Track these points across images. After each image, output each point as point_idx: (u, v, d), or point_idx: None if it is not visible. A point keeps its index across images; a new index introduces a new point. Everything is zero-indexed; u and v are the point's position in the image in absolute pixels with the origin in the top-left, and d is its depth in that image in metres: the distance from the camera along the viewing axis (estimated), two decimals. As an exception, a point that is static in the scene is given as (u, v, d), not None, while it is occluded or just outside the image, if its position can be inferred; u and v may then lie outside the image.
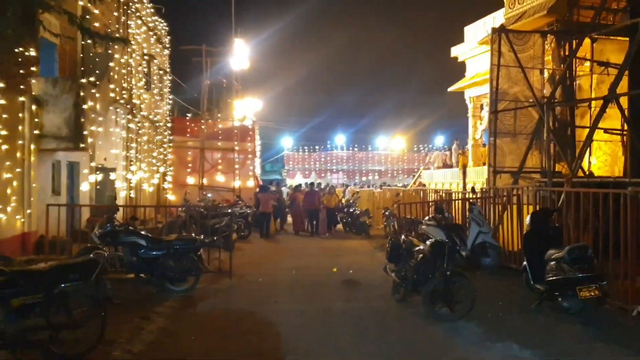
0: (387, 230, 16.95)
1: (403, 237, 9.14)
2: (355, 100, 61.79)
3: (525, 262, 7.91)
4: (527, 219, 7.87)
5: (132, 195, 18.98)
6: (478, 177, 22.68)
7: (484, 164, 13.64)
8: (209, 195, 21.57)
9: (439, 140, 54.17)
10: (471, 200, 10.89)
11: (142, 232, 9.93)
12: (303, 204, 19.97)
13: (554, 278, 7.10)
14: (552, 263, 7.22)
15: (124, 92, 17.00)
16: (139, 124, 19.98)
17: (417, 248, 8.41)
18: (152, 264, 9.51)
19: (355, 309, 8.51)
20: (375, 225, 20.82)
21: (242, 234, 18.15)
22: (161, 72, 24.65)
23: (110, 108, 15.93)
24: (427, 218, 13.12)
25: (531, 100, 13.69)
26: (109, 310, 6.28)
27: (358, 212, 19.55)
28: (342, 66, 62.83)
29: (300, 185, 23.20)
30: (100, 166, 15.84)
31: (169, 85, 26.48)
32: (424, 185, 24.76)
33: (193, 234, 10.10)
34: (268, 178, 45.31)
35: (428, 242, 8.18)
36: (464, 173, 15.44)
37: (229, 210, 19.09)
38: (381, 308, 8.56)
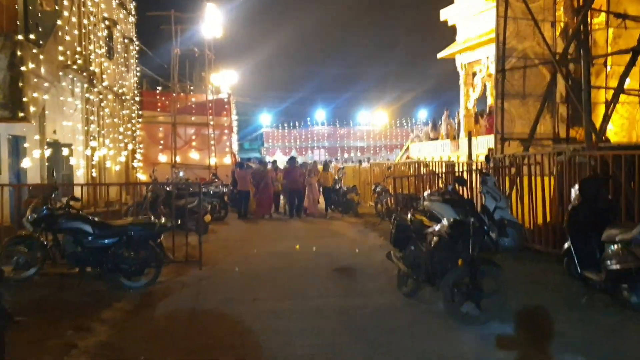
0: (378, 208, 15.29)
1: (410, 215, 7.44)
2: (336, 73, 59.70)
3: (569, 244, 6.27)
4: (574, 190, 6.24)
5: (94, 174, 17.04)
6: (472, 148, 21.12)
7: (497, 133, 11.93)
8: (181, 173, 19.63)
9: (423, 114, 52.56)
10: (484, 171, 9.22)
11: (89, 217, 8.09)
12: (284, 183, 17.99)
13: (618, 266, 5.48)
14: (616, 246, 5.59)
15: (77, 56, 14.92)
16: (100, 96, 17.96)
17: (430, 229, 6.73)
18: (102, 254, 7.74)
19: (353, 308, 6.82)
20: (363, 202, 19.16)
21: (217, 215, 16.34)
22: (126, 40, 22.50)
23: (62, 74, 13.90)
24: (428, 192, 11.52)
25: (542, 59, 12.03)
26: (20, 327, 4.49)
27: (345, 189, 17.82)
28: (322, 36, 60.51)
29: (275, 161, 21.13)
30: (52, 141, 13.85)
31: (136, 55, 24.35)
32: (413, 159, 23.10)
33: (152, 217, 8.29)
34: (247, 156, 43.34)
35: (445, 222, 6.49)
36: (470, 141, 13.80)
37: (203, 189, 17.31)
38: (386, 305, 6.88)
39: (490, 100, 23.30)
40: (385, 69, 60.17)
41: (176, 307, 7.00)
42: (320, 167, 19.14)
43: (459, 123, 23.51)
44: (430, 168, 13.45)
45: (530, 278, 7.39)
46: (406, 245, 7.19)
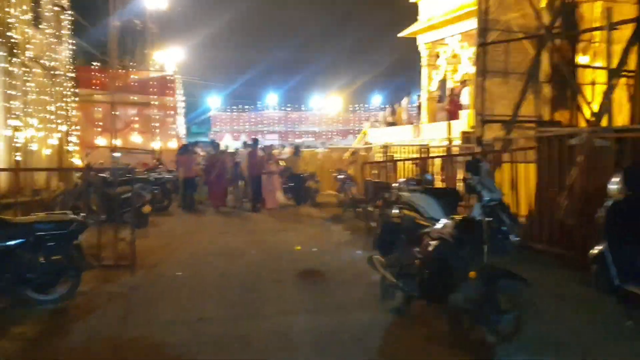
0: (340, 198, 13.82)
1: (396, 210, 5.98)
2: (288, 54, 57.60)
3: (602, 249, 4.94)
4: (613, 181, 4.91)
5: (19, 158, 14.89)
6: (431, 133, 19.95)
7: (477, 114, 10.65)
8: (118, 155, 17.62)
9: (377, 99, 51.48)
10: (476, 157, 7.87)
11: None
12: (247, 169, 15.85)
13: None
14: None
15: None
16: (25, 69, 15.74)
17: (427, 229, 5.30)
18: (2, 260, 5.96)
19: (328, 330, 5.32)
20: (321, 190, 17.69)
21: (159, 205, 14.55)
22: (57, 8, 20.13)
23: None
24: (401, 180, 10.11)
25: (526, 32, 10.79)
26: None
27: (301, 176, 16.26)
28: (275, 14, 58.15)
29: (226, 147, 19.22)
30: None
31: (69, 26, 21.95)
32: (371, 145, 21.75)
33: (70, 212, 6.56)
34: (195, 140, 41.10)
35: (447, 221, 5.07)
36: (449, 125, 12.41)
37: (144, 176, 15.45)
38: (369, 325, 5.41)
39: (450, 84, 22.24)
40: (339, 51, 58.52)
41: (96, 331, 5.32)
42: (287, 150, 17.67)
43: (419, 107, 22.27)
44: (399, 155, 12.06)
45: (546, 290, 6.05)
46: (392, 248, 5.74)
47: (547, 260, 6.96)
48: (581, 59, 11.65)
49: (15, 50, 14.71)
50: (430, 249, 5.07)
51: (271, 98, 51.17)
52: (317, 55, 57.06)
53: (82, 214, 6.48)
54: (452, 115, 19.92)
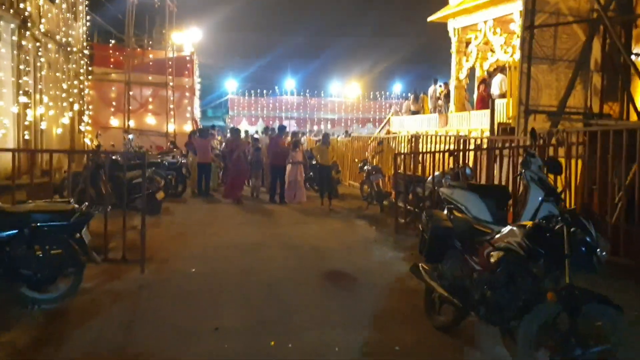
0: (365, 190, 12.97)
1: (446, 212, 5.14)
2: (308, 38, 56.55)
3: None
4: None
5: (27, 137, 14.23)
6: (461, 123, 19.02)
7: (520, 103, 9.73)
8: (131, 136, 16.88)
9: (397, 87, 50.38)
10: (530, 150, 6.97)
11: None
12: (268, 157, 14.67)
13: None
14: None
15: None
16: (38, 44, 15.04)
17: (487, 237, 4.46)
18: (-6, 254, 5.24)
19: (368, 351, 4.53)
20: (343, 181, 16.88)
21: (173, 192, 13.83)
22: (73, -18, 19.37)
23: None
24: (436, 174, 9.28)
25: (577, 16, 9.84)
26: None
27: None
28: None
29: (245, 132, 18.06)
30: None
31: (86, 2, 21.21)
32: (395, 133, 20.84)
33: (71, 201, 5.81)
34: (210, 124, 40.42)
35: (515, 228, 4.23)
36: (493, 112, 11.43)
37: (158, 160, 14.72)
38: (416, 346, 4.62)
39: (478, 72, 21.24)
40: (360, 37, 57.29)
41: (96, 343, 4.58)
42: (311, 139, 16.62)
43: (447, 95, 21.28)
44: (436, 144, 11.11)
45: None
46: (442, 256, 4.92)
47: (608, 271, 6.08)
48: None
49: (28, 24, 14.00)
50: (493, 260, 4.24)
51: (289, 83, 50.25)
52: (337, 40, 56.00)
53: (85, 203, 5.71)
54: (481, 104, 18.99)
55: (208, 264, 7.35)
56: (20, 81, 13.40)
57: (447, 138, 11.13)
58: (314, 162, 15.47)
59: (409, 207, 9.76)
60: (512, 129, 10.69)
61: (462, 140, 10.26)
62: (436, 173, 9.62)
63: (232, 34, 50.14)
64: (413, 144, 12.07)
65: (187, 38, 26.94)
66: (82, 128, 20.59)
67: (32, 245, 5.24)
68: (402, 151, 12.15)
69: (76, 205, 5.52)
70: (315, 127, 46.32)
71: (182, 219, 11.26)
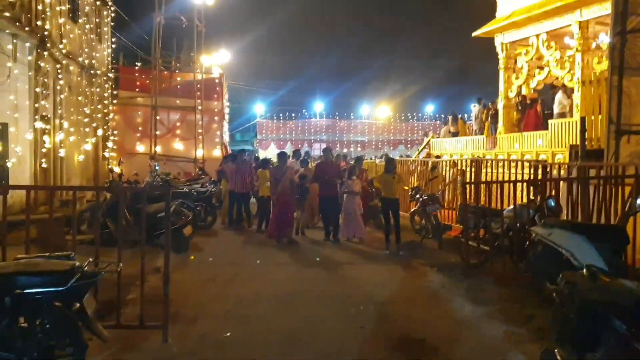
0: (417, 222, 11.43)
1: (587, 273, 3.62)
2: (336, 60, 55.55)
3: None
4: None
5: (44, 164, 13.10)
6: (511, 145, 17.40)
7: (610, 122, 8.18)
8: (157, 165, 15.66)
9: (430, 108, 48.88)
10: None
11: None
12: (316, 187, 12.38)
13: None
14: None
15: (13, 5, 10.96)
16: (58, 66, 14.01)
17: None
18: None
19: None
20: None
21: (202, 224, 12.50)
22: (98, 2, 18.48)
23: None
24: (512, 207, 7.76)
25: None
26: None
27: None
28: (324, 18, 55.92)
29: (285, 154, 12.96)
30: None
31: (111, 23, 20.33)
32: (439, 157, 19.32)
33: (71, 254, 4.45)
34: (238, 149, 39.30)
35: None
36: (583, 130, 9.77)
37: (185, 189, 13.44)
38: None
39: (523, 90, 19.68)
40: (391, 57, 56.13)
41: None
42: (369, 163, 14.63)
43: (493, 115, 19.71)
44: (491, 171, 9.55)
45: None
46: (595, 342, 3.39)
47: None
48: None
49: (46, 44, 12.96)
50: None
51: (318, 105, 49.18)
52: (367, 61, 54.97)
53: (89, 260, 4.33)
54: (533, 125, 17.42)
55: (245, 325, 5.91)
56: (36, 105, 12.31)
57: (520, 163, 9.60)
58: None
59: (481, 245, 8.21)
60: (598, 152, 9.13)
61: (541, 166, 8.70)
62: (510, 206, 8.11)
63: (260, 57, 49.44)
64: (474, 168, 10.53)
65: (215, 60, 25.99)
66: (106, 154, 19.56)
67: (15, 319, 3.88)
68: (448, 176, 10.65)
69: (77, 263, 4.14)
70: (345, 150, 44.96)
71: (212, 257, 9.88)
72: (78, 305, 4.02)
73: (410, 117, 46.64)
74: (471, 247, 8.29)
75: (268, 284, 7.81)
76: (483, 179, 10.78)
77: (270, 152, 39.91)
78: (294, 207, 11.86)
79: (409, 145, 44.61)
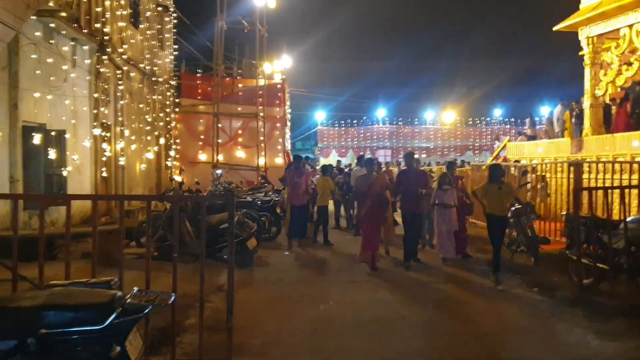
0: (506, 235, 10.10)
1: None
2: (399, 65, 54.18)
3: None
4: None
5: (105, 174, 12.61)
6: (602, 148, 15.73)
7: None
8: (219, 172, 14.91)
9: (498, 112, 46.81)
10: None
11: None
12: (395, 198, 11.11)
13: None
14: None
15: (70, 4, 10.47)
16: (119, 72, 13.57)
17: None
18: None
19: None
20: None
21: (266, 236, 11.64)
22: (160, 8, 18.12)
23: (54, 31, 9.51)
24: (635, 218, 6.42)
25: None
26: None
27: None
28: (386, 20, 54.60)
29: (372, 161, 10.94)
30: (32, 125, 9.44)
31: (173, 30, 19.97)
32: (518, 162, 17.82)
33: (114, 280, 3.58)
34: (303, 157, 38.50)
35: None
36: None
37: (249, 199, 12.63)
38: None
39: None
40: (457, 59, 54.31)
41: None
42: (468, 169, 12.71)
43: (577, 115, 18.04)
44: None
45: None
46: None
47: None
48: None
49: (106, 49, 12.51)
50: None
51: (380, 112, 47.98)
52: (431, 65, 53.41)
53: (135, 289, 3.44)
54: (624, 126, 15.79)
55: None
56: (95, 112, 11.82)
57: (629, 166, 8.23)
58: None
59: (598, 264, 6.89)
60: None
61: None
62: (633, 216, 6.78)
63: (321, 62, 48.80)
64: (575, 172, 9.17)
65: (277, 65, 25.35)
66: (168, 163, 19.15)
67: (41, 366, 3.01)
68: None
69: (118, 294, 3.25)
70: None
71: (278, 273, 8.97)
72: (117, 349, 3.11)
73: (478, 121, 44.74)
74: (580, 266, 7.00)
75: (344, 307, 6.80)
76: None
77: (331, 160, 39.08)
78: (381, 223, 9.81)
79: (476, 151, 42.78)
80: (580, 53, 19.17)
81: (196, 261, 9.19)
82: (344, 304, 6.99)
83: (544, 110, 43.97)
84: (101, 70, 12.37)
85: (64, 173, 10.05)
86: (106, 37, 12.40)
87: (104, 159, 12.57)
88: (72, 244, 9.24)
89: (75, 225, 10.13)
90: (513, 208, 9.25)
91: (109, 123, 13.07)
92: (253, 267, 9.32)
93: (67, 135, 10.24)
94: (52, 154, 9.39)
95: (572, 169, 9.59)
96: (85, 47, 11.45)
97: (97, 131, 11.78)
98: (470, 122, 44.92)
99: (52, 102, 9.92)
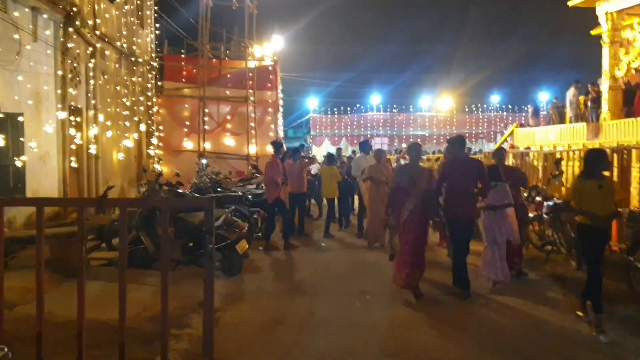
0: (538, 231, 8.68)
1: None
2: (394, 49, 52.52)
3: None
4: None
5: (74, 164, 11.07)
6: (623, 133, 14.46)
7: None
8: (204, 161, 13.38)
9: (495, 98, 45.52)
10: None
11: None
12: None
13: None
14: None
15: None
16: (90, 49, 12.00)
17: None
18: None
19: None
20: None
21: (258, 235, 10.19)
22: (139, -19, 16.46)
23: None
24: None
25: None
26: None
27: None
28: (383, 1, 52.76)
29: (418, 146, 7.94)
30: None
31: (154, 7, 18.34)
32: (529, 148, 16.49)
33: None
34: (291, 145, 36.97)
35: None
36: None
37: (239, 193, 11.15)
38: None
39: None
40: (452, 44, 52.73)
41: None
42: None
43: (595, 98, 16.72)
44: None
45: None
46: None
47: None
48: None
49: (75, 22, 10.93)
50: None
51: (375, 98, 46.51)
52: (427, 48, 51.85)
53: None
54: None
55: None
56: (60, 92, 10.26)
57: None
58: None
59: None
60: None
61: None
62: None
63: (312, 46, 47.06)
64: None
65: (268, 48, 23.75)
66: (151, 152, 17.60)
67: None
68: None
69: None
70: (403, 145, 42.20)
71: (273, 282, 7.55)
72: None
73: (474, 108, 43.38)
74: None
75: (365, 333, 5.36)
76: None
77: (324, 149, 37.60)
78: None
79: (473, 139, 41.45)
80: (592, 32, 17.83)
81: (176, 268, 7.77)
82: (362, 327, 5.54)
83: (542, 97, 42.81)
84: (69, 46, 10.80)
85: (18, 164, 8.50)
86: (74, 9, 10.82)
87: (73, 147, 11.02)
88: (29, 249, 7.81)
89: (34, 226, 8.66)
90: (551, 203, 7.83)
91: (79, 106, 11.51)
92: (243, 274, 7.88)
93: (21, 119, 8.67)
94: (1, 140, 7.83)
95: (615, 155, 8.20)
96: (46, 17, 9.85)
97: (63, 114, 10.20)
98: (467, 110, 43.55)
99: (3, 79, 8.35)
